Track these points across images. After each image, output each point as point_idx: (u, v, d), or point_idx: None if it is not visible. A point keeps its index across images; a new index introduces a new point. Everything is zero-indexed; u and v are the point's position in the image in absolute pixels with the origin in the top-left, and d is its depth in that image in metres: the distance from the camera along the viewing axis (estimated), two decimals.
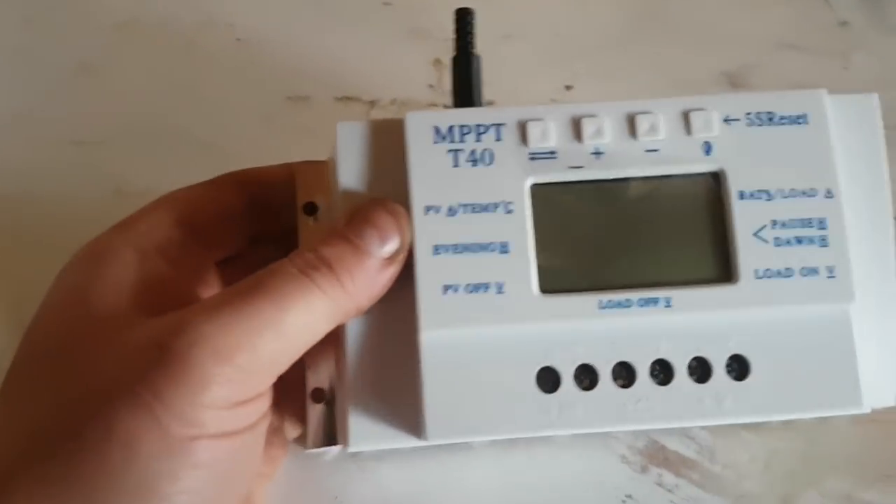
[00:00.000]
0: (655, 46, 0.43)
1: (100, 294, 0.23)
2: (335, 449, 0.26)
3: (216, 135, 0.38)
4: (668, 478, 0.32)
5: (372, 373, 0.24)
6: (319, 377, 0.26)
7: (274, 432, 0.27)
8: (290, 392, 0.26)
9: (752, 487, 0.31)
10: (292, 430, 0.27)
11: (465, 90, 0.26)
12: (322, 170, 0.26)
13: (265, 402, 0.23)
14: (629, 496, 0.31)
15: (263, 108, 0.39)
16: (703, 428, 0.31)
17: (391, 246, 0.23)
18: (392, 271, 0.23)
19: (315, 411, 0.26)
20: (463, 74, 0.26)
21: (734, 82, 0.42)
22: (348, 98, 0.41)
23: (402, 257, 0.23)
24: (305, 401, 0.26)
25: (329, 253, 0.23)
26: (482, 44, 0.42)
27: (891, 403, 0.26)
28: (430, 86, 0.41)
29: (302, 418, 0.26)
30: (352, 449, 0.24)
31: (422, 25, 0.42)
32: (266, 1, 0.42)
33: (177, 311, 0.22)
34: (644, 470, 0.32)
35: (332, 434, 0.26)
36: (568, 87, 0.42)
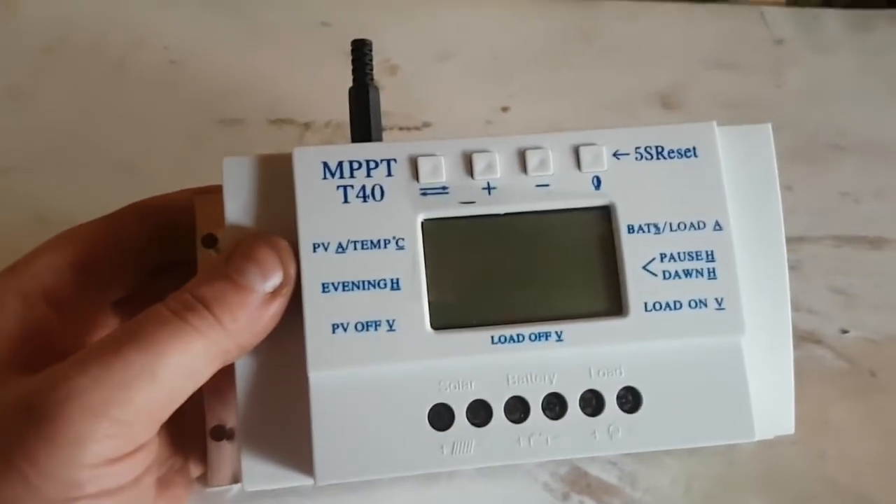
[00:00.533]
0: (590, 67, 0.43)
1: None
2: (237, 487, 0.26)
3: (145, 159, 0.38)
4: None
5: (265, 412, 0.24)
6: (219, 414, 0.26)
7: (177, 472, 0.26)
8: (192, 430, 0.26)
9: None
10: (196, 469, 0.27)
11: (362, 123, 0.26)
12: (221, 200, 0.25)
13: (148, 455, 0.22)
14: None
15: (195, 131, 0.39)
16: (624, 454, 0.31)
17: (274, 281, 0.23)
18: (277, 306, 0.23)
19: (215, 449, 0.26)
20: (360, 107, 0.26)
21: (667, 102, 0.42)
22: (282, 120, 0.41)
23: (286, 291, 0.23)
24: (206, 438, 0.26)
25: (206, 292, 0.22)
26: (419, 63, 0.42)
27: (790, 432, 0.26)
28: None
29: (205, 456, 0.26)
30: (248, 489, 0.24)
31: None
32: (202, 22, 0.42)
33: (49, 368, 0.21)
34: (566, 497, 0.32)
35: (233, 471, 0.26)
36: (504, 109, 0.42)
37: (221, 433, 0.26)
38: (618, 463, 0.32)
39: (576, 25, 0.44)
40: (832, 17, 0.46)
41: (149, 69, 0.41)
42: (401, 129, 0.41)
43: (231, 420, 0.26)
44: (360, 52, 0.26)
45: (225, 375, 0.24)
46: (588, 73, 0.43)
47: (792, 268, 0.27)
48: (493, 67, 0.43)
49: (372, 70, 0.26)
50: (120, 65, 0.40)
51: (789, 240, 0.27)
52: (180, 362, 0.21)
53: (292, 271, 0.23)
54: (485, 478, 0.31)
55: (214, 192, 0.26)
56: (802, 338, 0.35)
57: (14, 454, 0.20)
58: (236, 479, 0.26)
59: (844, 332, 0.36)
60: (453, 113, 0.41)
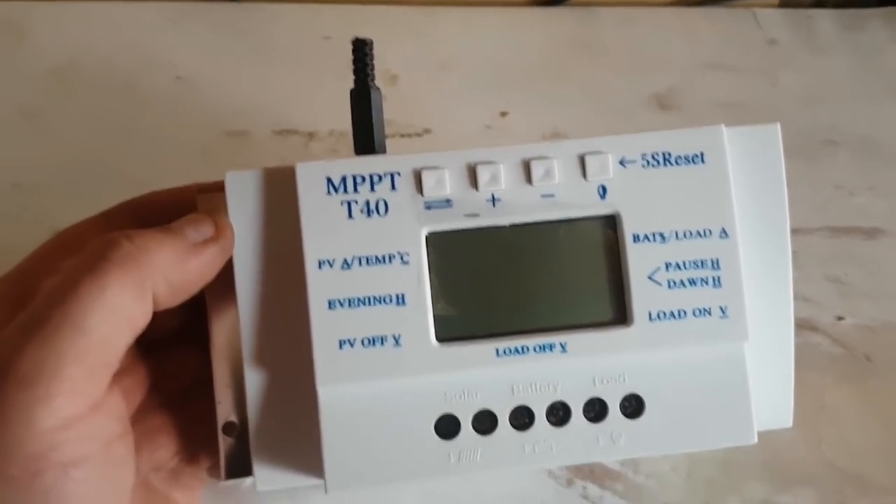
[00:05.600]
0: (587, 72, 0.42)
1: None
2: (250, 479, 0.25)
3: (155, 174, 0.37)
4: (593, 490, 0.31)
5: (275, 416, 0.23)
6: (229, 410, 0.25)
7: (188, 462, 0.26)
8: (202, 421, 0.25)
9: (674, 496, 0.31)
10: (206, 461, 0.26)
11: (365, 127, 0.24)
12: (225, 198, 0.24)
13: (109, 417, 0.21)
14: None
15: (202, 144, 0.38)
16: None
17: (204, 231, 0.23)
18: (208, 254, 0.22)
19: (226, 444, 0.25)
20: (362, 110, 0.24)
21: (664, 104, 0.41)
22: (287, 131, 0.40)
23: (221, 244, 0.23)
24: (218, 433, 0.25)
25: (134, 232, 0.21)
26: (419, 72, 0.41)
27: (788, 425, 0.25)
28: None
29: (215, 448, 0.25)
30: (260, 489, 0.24)
31: None
32: (206, 38, 0.41)
33: None
34: (569, 483, 0.31)
35: (244, 465, 0.25)
36: (503, 114, 0.41)
37: (232, 429, 0.25)
38: None
39: (573, 31, 0.43)
40: (824, 17, 0.45)
41: (156, 86, 0.40)
42: (402, 136, 0.40)
43: (240, 415, 0.25)
44: (361, 51, 0.24)
45: (237, 373, 0.24)
46: (585, 77, 0.42)
47: None
48: (492, 74, 0.42)
49: (373, 70, 0.24)
50: (128, 83, 0.39)
51: None
52: (101, 303, 0.20)
53: (229, 232, 0.23)
54: None
55: (218, 190, 0.25)
56: (799, 325, 0.34)
57: None
58: (246, 472, 0.25)
59: (840, 318, 0.36)
60: (453, 119, 0.41)
